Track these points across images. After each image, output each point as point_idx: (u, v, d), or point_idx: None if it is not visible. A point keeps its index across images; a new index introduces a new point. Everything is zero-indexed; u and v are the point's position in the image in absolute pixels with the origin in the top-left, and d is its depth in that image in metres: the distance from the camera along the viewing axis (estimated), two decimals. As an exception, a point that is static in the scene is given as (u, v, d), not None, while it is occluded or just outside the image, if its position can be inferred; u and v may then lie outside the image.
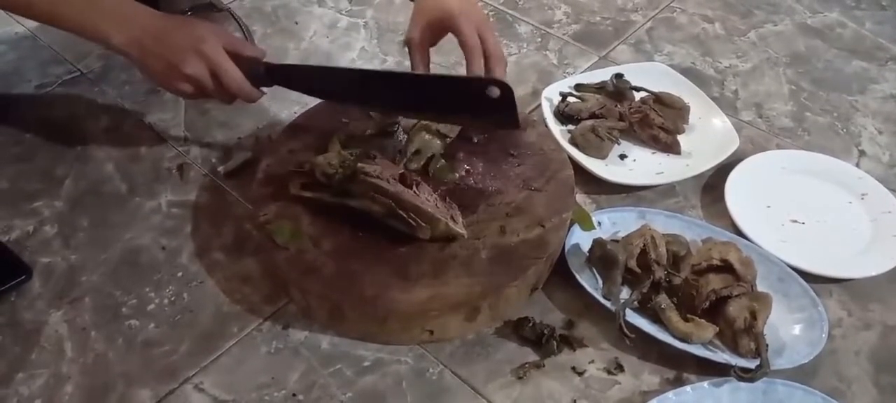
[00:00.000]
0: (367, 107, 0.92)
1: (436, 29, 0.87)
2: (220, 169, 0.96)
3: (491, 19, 1.25)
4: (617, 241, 0.83)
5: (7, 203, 0.91)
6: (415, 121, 0.88)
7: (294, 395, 0.73)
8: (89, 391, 0.74)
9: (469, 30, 0.85)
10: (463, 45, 0.85)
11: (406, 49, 0.90)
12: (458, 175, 0.87)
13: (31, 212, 0.90)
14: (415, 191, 0.79)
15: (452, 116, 0.86)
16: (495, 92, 0.76)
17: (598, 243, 0.82)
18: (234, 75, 0.82)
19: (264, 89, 0.87)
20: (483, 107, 0.77)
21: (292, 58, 1.15)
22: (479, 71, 0.85)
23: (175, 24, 0.84)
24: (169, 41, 0.82)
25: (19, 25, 1.18)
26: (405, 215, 0.77)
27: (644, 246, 0.80)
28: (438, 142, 0.88)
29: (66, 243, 0.87)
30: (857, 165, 0.99)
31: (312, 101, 0.96)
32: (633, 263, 0.80)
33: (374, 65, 1.13)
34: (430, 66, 0.90)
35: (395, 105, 0.87)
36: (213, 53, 0.81)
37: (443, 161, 0.88)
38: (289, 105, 1.04)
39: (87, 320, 0.79)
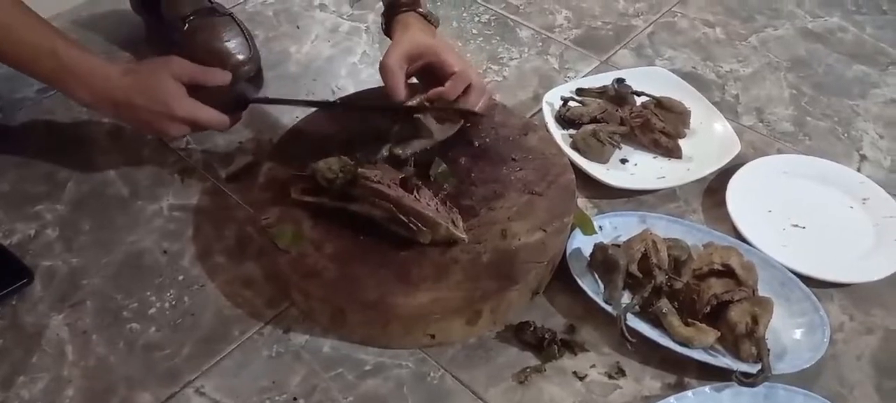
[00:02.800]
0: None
1: (413, 59, 0.87)
2: (222, 172, 0.96)
3: (491, 25, 1.25)
4: (618, 246, 0.83)
5: (9, 206, 0.92)
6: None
7: (295, 399, 0.73)
8: (90, 394, 0.74)
9: (454, 58, 0.86)
10: (449, 71, 0.86)
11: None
12: (458, 179, 0.87)
13: (33, 216, 0.91)
14: (415, 196, 0.79)
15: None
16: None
17: (599, 247, 0.82)
18: (212, 122, 0.87)
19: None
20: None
21: (294, 62, 1.15)
22: (458, 92, 0.86)
23: (141, 88, 0.84)
24: (141, 112, 0.85)
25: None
26: (406, 219, 0.77)
27: (645, 250, 0.80)
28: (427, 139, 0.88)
29: (67, 246, 0.87)
30: (859, 170, 0.99)
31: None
32: (634, 268, 0.80)
33: (375, 68, 1.13)
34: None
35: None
36: (186, 114, 0.86)
37: (444, 165, 0.88)
38: (290, 109, 1.04)
39: (88, 323, 0.79)
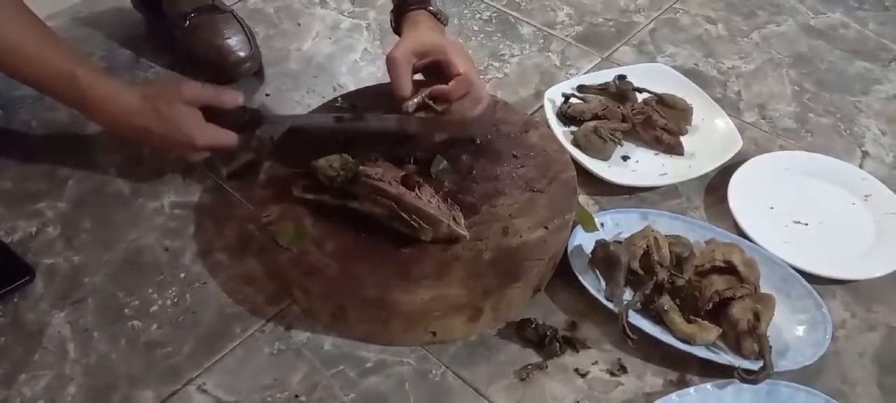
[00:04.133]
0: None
1: (421, 56, 0.87)
2: (223, 170, 0.96)
3: (493, 22, 1.25)
4: (620, 243, 0.83)
5: (10, 204, 0.92)
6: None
7: (296, 396, 0.73)
8: (92, 392, 0.74)
9: (461, 60, 0.85)
10: (454, 72, 0.85)
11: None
12: (459, 176, 0.87)
13: (35, 213, 0.91)
14: (417, 193, 0.79)
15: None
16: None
17: (600, 244, 0.82)
18: (231, 143, 0.87)
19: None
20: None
21: (295, 59, 1.15)
22: (460, 94, 0.85)
23: (160, 119, 0.84)
24: (159, 140, 0.86)
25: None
26: (407, 217, 0.77)
27: (647, 247, 0.80)
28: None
29: (69, 244, 0.87)
30: (861, 166, 0.99)
31: (314, 103, 0.96)
32: (635, 264, 0.80)
33: (376, 66, 1.13)
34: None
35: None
36: (207, 143, 0.86)
37: (445, 162, 0.88)
38: (291, 107, 1.04)
39: (89, 321, 0.79)
